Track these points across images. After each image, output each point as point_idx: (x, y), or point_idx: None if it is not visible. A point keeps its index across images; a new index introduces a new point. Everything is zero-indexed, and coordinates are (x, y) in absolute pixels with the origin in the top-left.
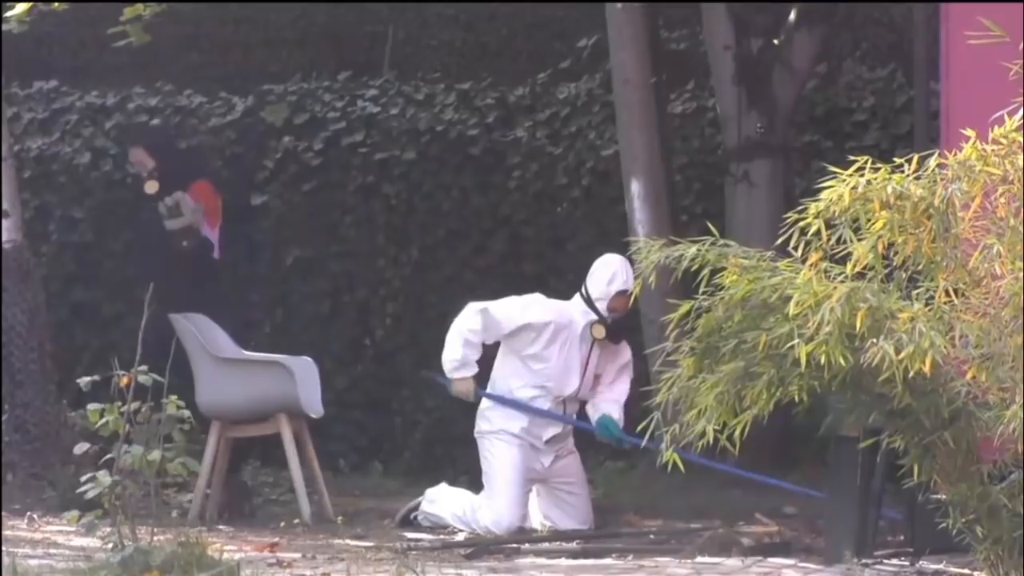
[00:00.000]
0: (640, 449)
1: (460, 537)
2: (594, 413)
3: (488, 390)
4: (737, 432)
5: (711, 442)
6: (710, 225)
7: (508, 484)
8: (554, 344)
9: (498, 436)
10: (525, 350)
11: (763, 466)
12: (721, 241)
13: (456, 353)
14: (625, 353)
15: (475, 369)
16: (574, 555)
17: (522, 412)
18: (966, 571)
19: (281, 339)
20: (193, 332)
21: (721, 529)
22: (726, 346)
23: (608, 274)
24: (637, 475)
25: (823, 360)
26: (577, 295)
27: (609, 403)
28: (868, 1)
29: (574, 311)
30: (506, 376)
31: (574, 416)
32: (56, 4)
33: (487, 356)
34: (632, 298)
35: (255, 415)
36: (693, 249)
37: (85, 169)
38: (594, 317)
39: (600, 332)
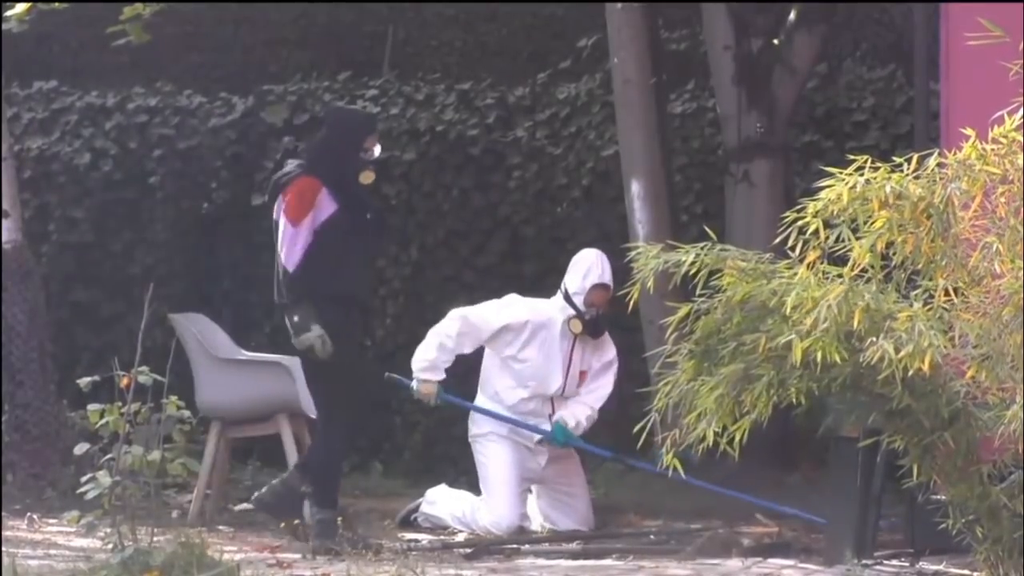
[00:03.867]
0: (639, 449)
1: (460, 538)
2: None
3: (479, 391)
4: (737, 438)
5: (711, 445)
6: (707, 229)
7: (504, 484)
8: (532, 343)
9: (488, 438)
10: (504, 351)
11: (763, 467)
12: (720, 246)
13: (429, 354)
14: (609, 351)
15: (442, 375)
16: (574, 555)
17: (492, 418)
18: (966, 571)
19: (281, 339)
20: (193, 332)
21: (721, 530)
22: (725, 348)
23: (584, 268)
24: (637, 475)
25: (819, 358)
26: (558, 292)
27: (576, 406)
28: (868, 1)
29: (553, 308)
30: (492, 377)
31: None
32: (56, 4)
33: (475, 366)
34: (611, 292)
35: (255, 415)
36: (692, 255)
37: (85, 169)
38: (572, 312)
39: (577, 327)
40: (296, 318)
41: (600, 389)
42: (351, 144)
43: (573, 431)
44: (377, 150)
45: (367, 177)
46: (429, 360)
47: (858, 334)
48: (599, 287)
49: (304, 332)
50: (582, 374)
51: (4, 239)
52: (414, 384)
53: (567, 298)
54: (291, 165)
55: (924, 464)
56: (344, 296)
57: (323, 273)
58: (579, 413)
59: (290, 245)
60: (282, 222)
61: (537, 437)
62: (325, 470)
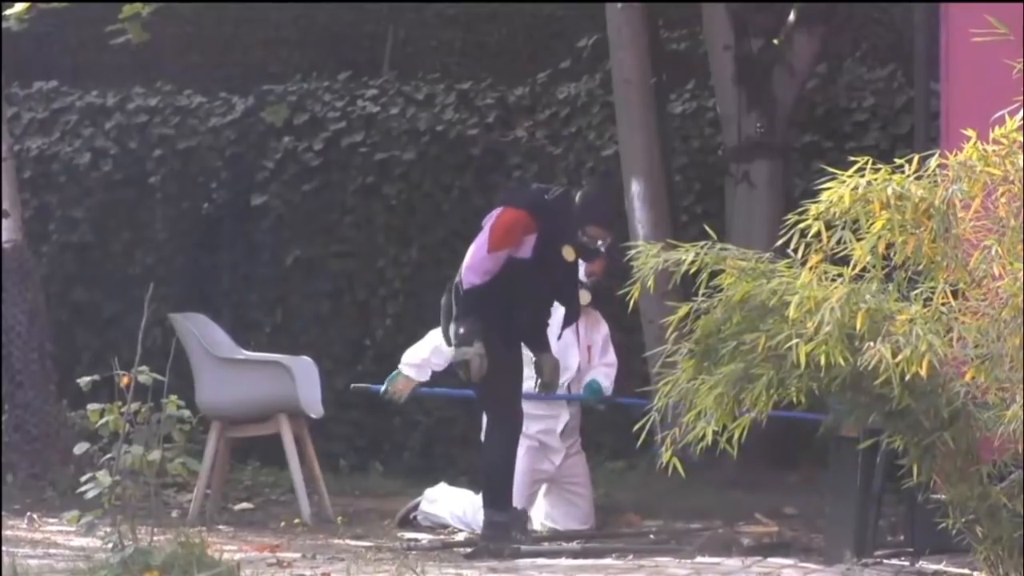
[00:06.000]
0: (638, 448)
1: (460, 537)
2: (583, 381)
3: None
4: (736, 436)
5: (710, 444)
6: (707, 228)
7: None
8: None
9: None
10: None
11: (763, 467)
12: (720, 245)
13: (422, 353)
14: (603, 324)
15: (426, 377)
16: (574, 555)
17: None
18: (966, 571)
19: (281, 339)
20: (193, 332)
21: (721, 529)
22: (725, 348)
23: None
24: (637, 475)
25: (823, 361)
26: None
27: (598, 369)
28: (868, 1)
29: None
30: None
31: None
32: (56, 4)
33: None
34: (609, 260)
35: (255, 415)
36: (691, 254)
37: (85, 169)
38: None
39: (586, 298)
40: (462, 330)
41: (612, 367)
42: (581, 220)
43: (606, 390)
44: (599, 242)
45: (568, 252)
46: (421, 359)
47: (860, 335)
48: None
49: (466, 345)
50: (589, 349)
51: (4, 239)
52: (386, 383)
53: None
54: (529, 189)
55: (924, 464)
56: (513, 336)
57: (498, 306)
58: (606, 376)
59: (478, 265)
60: (481, 238)
61: (560, 427)
62: (494, 472)
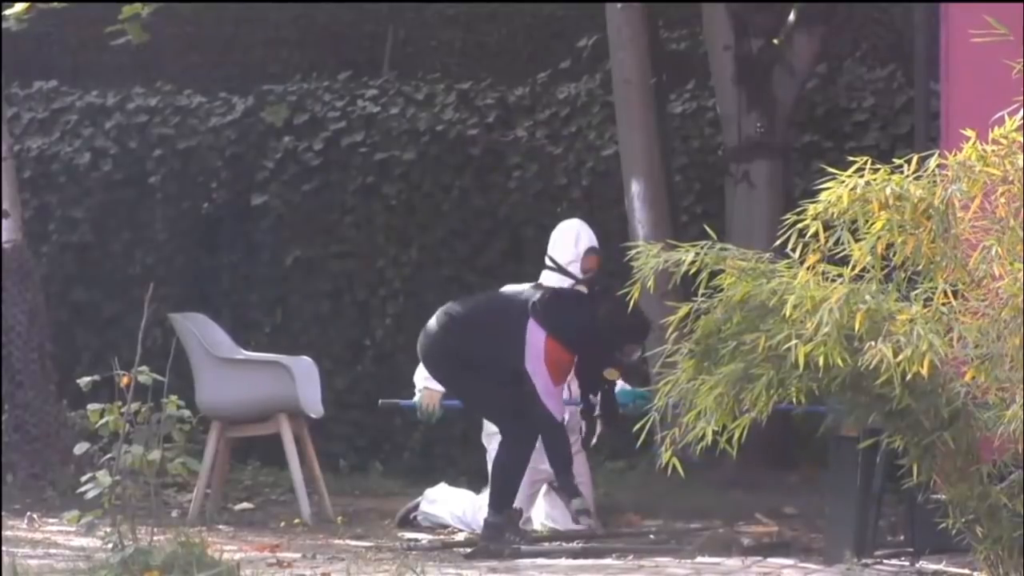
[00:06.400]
0: (638, 448)
1: (460, 537)
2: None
3: None
4: (736, 435)
5: (710, 444)
6: (707, 228)
7: None
8: None
9: None
10: None
11: (763, 467)
12: (719, 245)
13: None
14: None
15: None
16: (574, 555)
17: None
18: (966, 571)
19: (281, 339)
20: (193, 332)
21: (721, 529)
22: (725, 348)
23: (572, 236)
24: (637, 475)
25: (821, 361)
26: (545, 271)
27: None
28: (868, 1)
29: (551, 284)
30: None
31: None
32: (56, 4)
33: None
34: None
35: (255, 415)
36: (691, 254)
37: (85, 169)
38: (570, 282)
39: (614, 375)
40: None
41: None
42: (617, 341)
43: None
44: (634, 356)
45: (611, 374)
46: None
47: (859, 336)
48: (591, 251)
49: (579, 495)
50: None
51: (4, 239)
52: (415, 399)
53: (560, 271)
54: (572, 323)
55: (924, 464)
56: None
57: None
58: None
59: (555, 400)
60: (542, 374)
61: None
62: (500, 474)
